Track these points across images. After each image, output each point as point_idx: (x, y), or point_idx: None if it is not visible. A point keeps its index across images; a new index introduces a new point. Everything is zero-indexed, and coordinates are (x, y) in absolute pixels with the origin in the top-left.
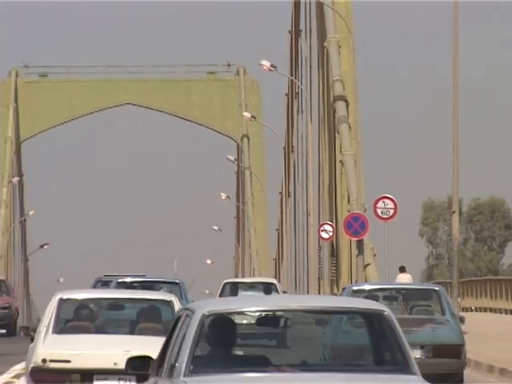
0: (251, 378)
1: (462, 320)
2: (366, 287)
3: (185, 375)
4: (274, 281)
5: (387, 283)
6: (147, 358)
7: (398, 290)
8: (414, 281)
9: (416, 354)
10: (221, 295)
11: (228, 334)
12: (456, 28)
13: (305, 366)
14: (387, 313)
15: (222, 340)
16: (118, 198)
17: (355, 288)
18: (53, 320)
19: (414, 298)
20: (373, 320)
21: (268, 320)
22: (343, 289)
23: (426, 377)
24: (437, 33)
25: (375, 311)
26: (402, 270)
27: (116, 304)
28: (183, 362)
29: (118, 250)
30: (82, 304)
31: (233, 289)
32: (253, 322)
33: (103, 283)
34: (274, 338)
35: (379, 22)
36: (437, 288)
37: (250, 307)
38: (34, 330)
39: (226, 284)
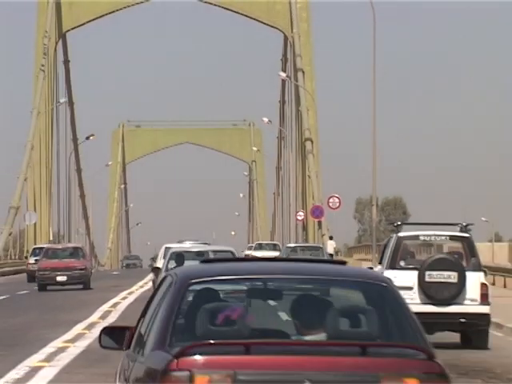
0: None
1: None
2: (292, 245)
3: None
4: (278, 243)
5: (303, 243)
6: (158, 268)
7: (306, 246)
8: (346, 243)
9: None
10: (251, 248)
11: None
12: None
13: None
14: (233, 250)
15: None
16: (180, 197)
17: (287, 245)
18: (165, 254)
19: (312, 249)
20: (230, 254)
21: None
22: (285, 246)
23: None
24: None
25: (228, 250)
26: (331, 238)
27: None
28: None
29: (182, 227)
30: (173, 249)
31: (259, 245)
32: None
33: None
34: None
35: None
36: (321, 246)
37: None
38: (154, 260)
39: (257, 243)
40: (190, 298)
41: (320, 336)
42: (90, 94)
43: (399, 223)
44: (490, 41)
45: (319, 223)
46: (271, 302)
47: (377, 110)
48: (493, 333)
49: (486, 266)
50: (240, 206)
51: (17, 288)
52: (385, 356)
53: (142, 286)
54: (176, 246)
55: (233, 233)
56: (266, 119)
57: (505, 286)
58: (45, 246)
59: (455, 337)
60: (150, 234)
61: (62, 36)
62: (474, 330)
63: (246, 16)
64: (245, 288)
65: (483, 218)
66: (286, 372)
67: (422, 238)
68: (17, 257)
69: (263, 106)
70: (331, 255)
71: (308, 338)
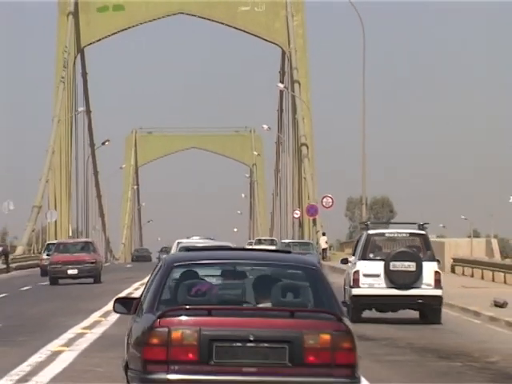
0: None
1: (320, 254)
2: (286, 240)
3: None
4: (275, 238)
5: (297, 239)
6: (167, 248)
7: (298, 242)
8: (339, 238)
9: None
10: (251, 243)
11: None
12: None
13: None
14: (230, 245)
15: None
16: (188, 197)
17: (282, 241)
18: (177, 247)
19: (302, 245)
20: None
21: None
22: (280, 241)
23: None
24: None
25: (225, 245)
26: (323, 234)
27: (194, 245)
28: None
29: (190, 224)
30: (183, 244)
31: (259, 240)
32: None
33: (188, 238)
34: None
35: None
36: (311, 241)
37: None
38: (167, 251)
39: (257, 239)
40: (174, 277)
41: (267, 304)
42: (105, 104)
43: (369, 223)
44: (488, 41)
45: (314, 221)
46: (239, 281)
47: (368, 115)
48: (471, 320)
49: (465, 260)
50: (242, 205)
51: (38, 280)
52: (307, 318)
53: None
54: (185, 241)
55: (235, 229)
56: (265, 126)
57: (482, 278)
58: (55, 242)
59: (416, 314)
60: (161, 231)
61: (80, 51)
62: (429, 309)
63: (248, 33)
64: (220, 270)
65: (463, 216)
66: (236, 329)
67: (387, 234)
68: (39, 251)
69: (263, 115)
70: (324, 249)
71: (260, 305)
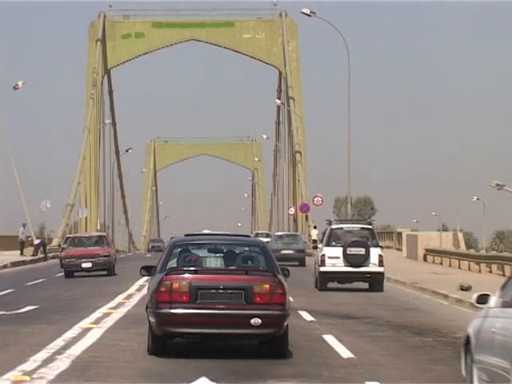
0: None
1: (308, 244)
2: (279, 233)
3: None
4: (270, 232)
5: (286, 232)
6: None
7: (288, 234)
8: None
9: (291, 251)
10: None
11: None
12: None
13: None
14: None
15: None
16: (199, 196)
17: (275, 234)
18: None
19: (292, 236)
20: None
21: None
22: (274, 234)
23: (295, 260)
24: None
25: (214, 233)
26: (315, 227)
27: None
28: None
29: (200, 219)
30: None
31: (256, 234)
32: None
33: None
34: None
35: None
36: (298, 234)
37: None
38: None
39: (255, 233)
40: (176, 252)
41: (233, 267)
42: (128, 117)
43: (332, 220)
44: (487, 41)
45: (306, 217)
46: (217, 254)
47: (361, 120)
48: (441, 302)
49: (435, 250)
50: (245, 203)
51: None
52: (255, 275)
53: None
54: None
55: (239, 224)
56: (265, 136)
57: (450, 266)
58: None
59: (365, 285)
60: (176, 225)
61: (107, 72)
62: (375, 281)
63: (250, 56)
64: (206, 247)
65: (433, 213)
66: (212, 282)
67: (344, 228)
68: None
69: (263, 126)
70: (315, 241)
71: (228, 268)
